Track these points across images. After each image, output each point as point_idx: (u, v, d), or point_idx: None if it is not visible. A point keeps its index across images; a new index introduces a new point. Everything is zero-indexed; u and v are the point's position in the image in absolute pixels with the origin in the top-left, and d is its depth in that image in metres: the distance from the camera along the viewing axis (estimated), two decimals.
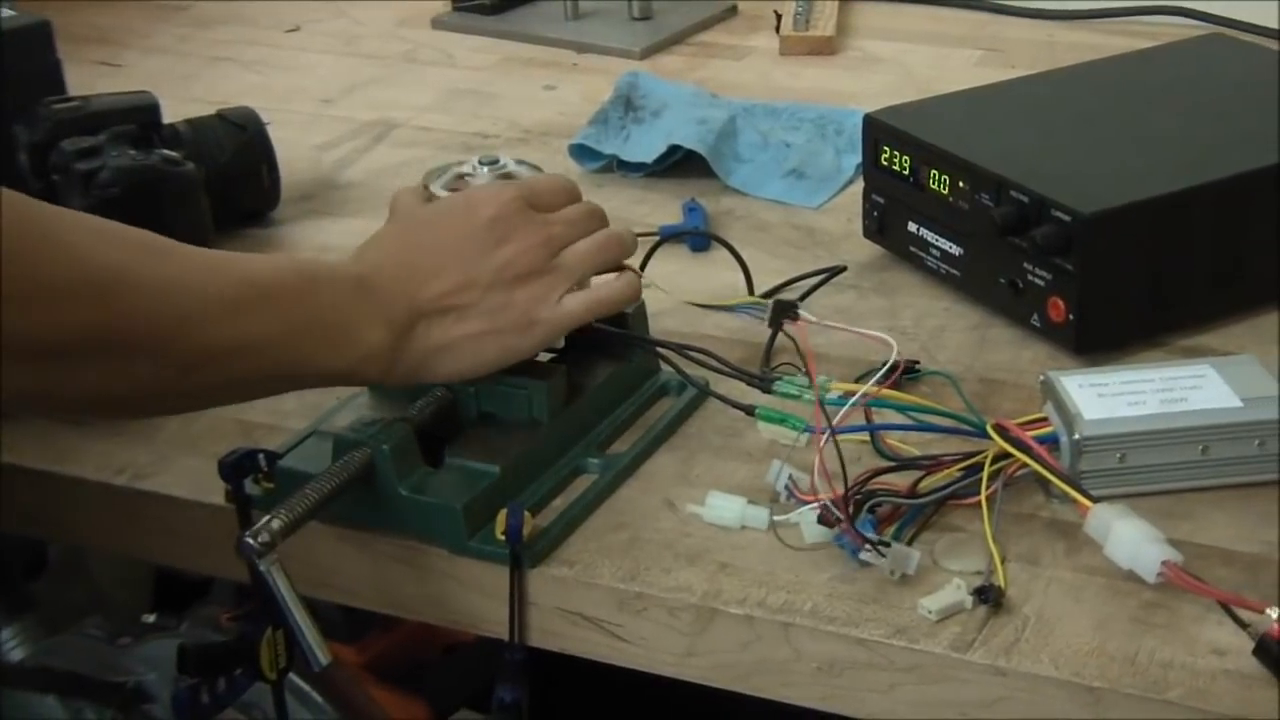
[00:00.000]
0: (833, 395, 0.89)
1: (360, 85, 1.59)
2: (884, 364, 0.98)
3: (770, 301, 0.89)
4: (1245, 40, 1.28)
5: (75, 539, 1.15)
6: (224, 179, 1.24)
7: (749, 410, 0.90)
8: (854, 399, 0.88)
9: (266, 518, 0.81)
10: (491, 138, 1.44)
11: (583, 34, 1.66)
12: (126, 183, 1.15)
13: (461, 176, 0.95)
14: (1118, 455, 0.89)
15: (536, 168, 0.97)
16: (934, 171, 1.10)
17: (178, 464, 0.97)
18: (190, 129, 1.25)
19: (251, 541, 0.80)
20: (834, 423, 0.86)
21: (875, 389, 0.89)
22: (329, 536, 0.91)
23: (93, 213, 1.14)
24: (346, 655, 1.52)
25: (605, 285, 0.95)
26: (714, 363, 0.93)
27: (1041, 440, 0.90)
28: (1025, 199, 1.02)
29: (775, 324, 0.89)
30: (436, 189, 0.95)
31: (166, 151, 1.18)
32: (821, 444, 0.85)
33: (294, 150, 1.42)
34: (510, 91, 1.55)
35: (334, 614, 1.36)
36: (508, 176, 0.95)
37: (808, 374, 0.87)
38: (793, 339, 0.88)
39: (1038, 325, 1.04)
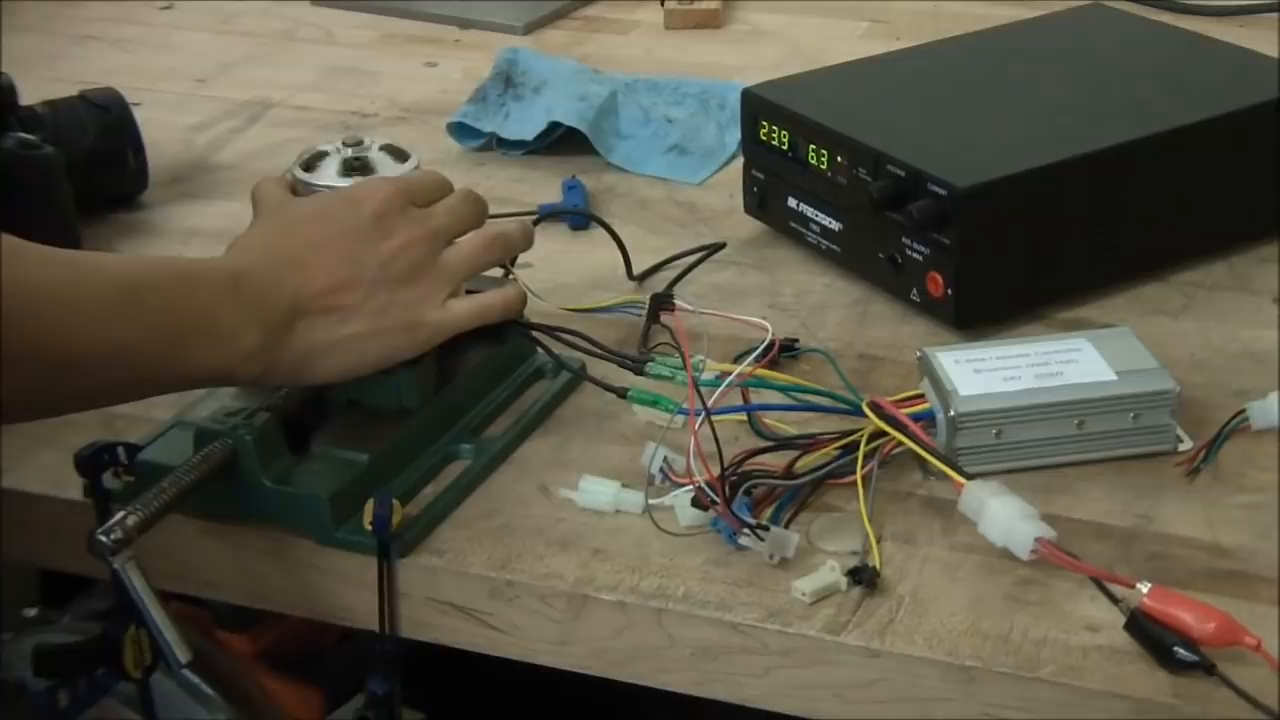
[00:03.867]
0: (708, 376, 0.88)
1: (235, 64, 1.55)
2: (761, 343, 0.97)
3: (646, 298, 0.88)
4: (1124, 11, 1.28)
5: None
6: (88, 163, 1.20)
7: (621, 393, 0.89)
8: (728, 380, 0.87)
9: (121, 513, 0.79)
10: (370, 116, 1.42)
11: (465, 9, 1.63)
12: None
13: (322, 156, 0.93)
14: (994, 431, 0.88)
15: (401, 151, 0.95)
16: (812, 146, 1.08)
17: (36, 458, 0.94)
18: (50, 111, 1.21)
19: (104, 539, 0.77)
20: (708, 404, 0.85)
21: (750, 369, 0.88)
22: (192, 529, 0.88)
23: None
24: (238, 644, 1.48)
25: (494, 293, 0.93)
26: (587, 345, 0.91)
27: (917, 417, 0.89)
28: (902, 173, 1.01)
29: (652, 317, 0.87)
30: (298, 173, 0.93)
31: (23, 135, 1.14)
32: (695, 426, 0.83)
33: (165, 131, 1.39)
34: (390, 69, 1.52)
35: (224, 603, 1.33)
36: (365, 166, 0.93)
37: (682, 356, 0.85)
38: (668, 328, 0.86)
39: (917, 300, 1.03)
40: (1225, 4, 1.54)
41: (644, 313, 0.87)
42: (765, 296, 1.09)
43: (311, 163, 0.93)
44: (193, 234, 1.22)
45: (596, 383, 0.90)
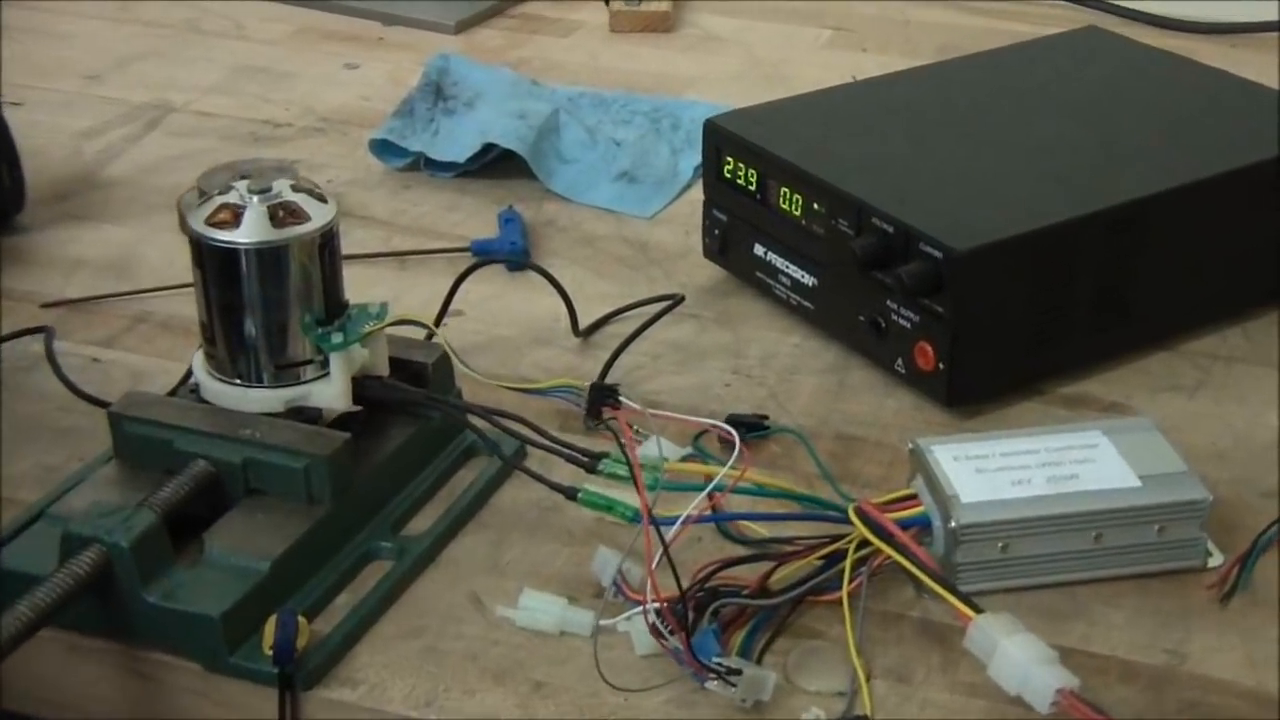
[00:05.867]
0: (668, 480, 0.75)
1: (134, 59, 1.40)
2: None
3: (586, 387, 0.75)
4: (1119, 36, 1.16)
5: None
6: None
7: (571, 494, 0.75)
8: (687, 510, 0.72)
9: None
10: (283, 126, 1.27)
11: (390, 5, 1.48)
12: None
13: (227, 208, 0.78)
14: (1000, 545, 0.76)
15: (317, 193, 0.81)
16: (784, 189, 0.96)
17: None
18: None
19: None
20: (670, 528, 0.72)
21: (714, 470, 0.74)
22: (58, 646, 0.75)
23: None
24: None
25: None
26: (530, 434, 0.78)
27: (910, 523, 0.77)
28: (889, 229, 0.89)
29: (594, 413, 0.74)
30: (198, 226, 0.78)
31: None
32: (653, 564, 0.70)
33: (51, 137, 1.24)
34: (306, 70, 1.38)
35: None
36: (282, 205, 0.79)
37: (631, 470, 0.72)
38: (612, 430, 0.73)
39: (902, 372, 0.91)
40: (1214, 20, 1.43)
41: (583, 402, 0.74)
42: (728, 358, 0.96)
43: (217, 216, 0.78)
44: (77, 265, 1.07)
45: (541, 479, 0.77)
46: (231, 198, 0.79)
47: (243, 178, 1.10)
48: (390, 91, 1.29)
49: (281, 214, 0.79)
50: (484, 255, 1.05)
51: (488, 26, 1.47)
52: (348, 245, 1.08)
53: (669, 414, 0.78)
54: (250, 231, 0.78)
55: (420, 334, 0.92)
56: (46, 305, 1.02)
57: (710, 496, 0.77)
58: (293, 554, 0.76)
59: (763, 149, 0.97)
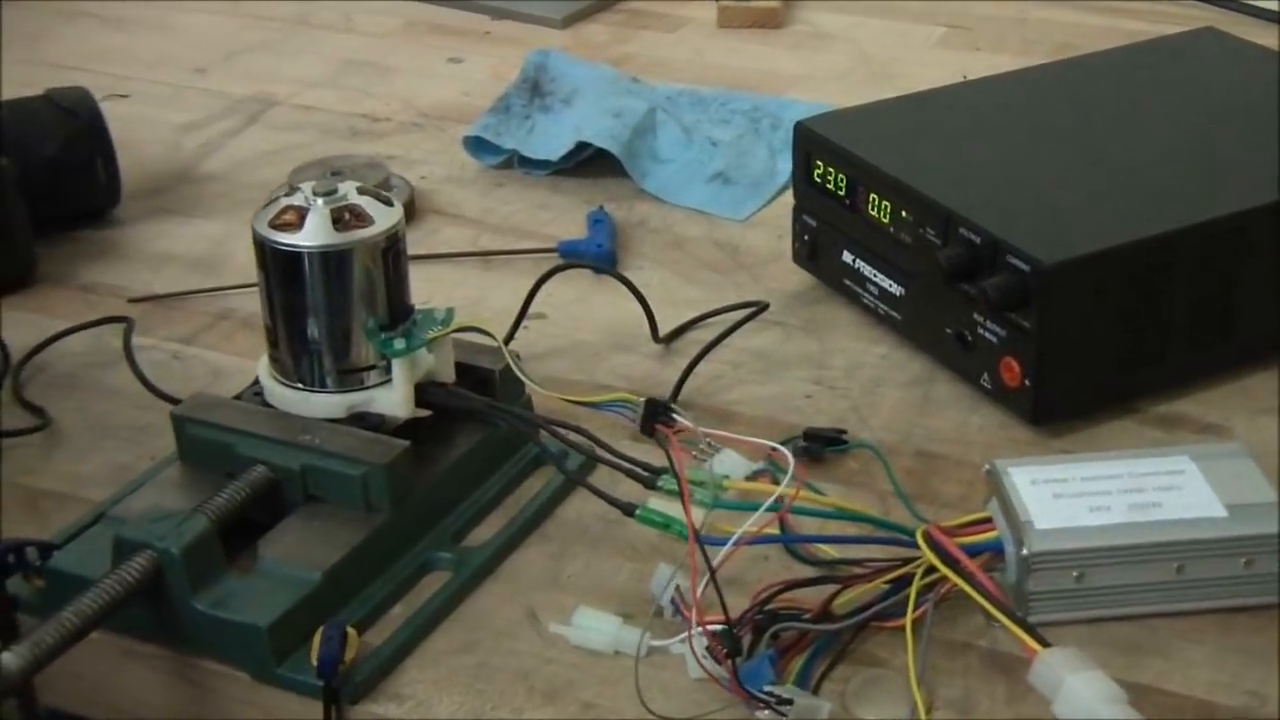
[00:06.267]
0: (733, 497, 0.73)
1: (241, 52, 1.40)
2: (797, 441, 0.83)
3: (641, 401, 0.72)
4: (1239, 40, 1.11)
5: None
6: (51, 173, 1.07)
7: (628, 510, 0.73)
8: (742, 528, 0.70)
9: (1, 655, 0.65)
10: (381, 121, 1.27)
11: None
12: None
13: (291, 210, 0.78)
14: (1075, 574, 0.73)
15: (383, 196, 0.80)
16: (873, 195, 0.93)
17: None
18: (9, 114, 1.07)
19: None
20: (720, 548, 0.69)
21: (775, 490, 0.72)
22: (111, 649, 0.74)
23: None
24: None
25: None
26: (592, 446, 0.76)
27: (983, 549, 0.74)
28: (977, 240, 0.85)
29: (647, 429, 0.72)
30: (261, 228, 0.78)
31: None
32: (698, 590, 0.68)
33: (152, 130, 1.25)
34: (410, 64, 1.37)
35: None
36: (347, 208, 0.78)
37: (679, 483, 0.70)
38: (664, 448, 0.71)
39: (988, 387, 0.88)
40: None
41: (637, 418, 0.72)
42: (811, 368, 0.93)
43: (281, 219, 0.78)
44: (167, 260, 1.07)
45: (600, 494, 0.75)
46: (296, 200, 0.78)
47: (334, 174, 1.11)
48: (491, 87, 1.27)
49: (347, 217, 0.78)
50: (570, 257, 1.04)
51: (595, 21, 1.45)
52: (435, 243, 1.09)
53: (724, 433, 0.75)
54: (313, 234, 0.77)
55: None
56: (133, 300, 1.02)
57: (780, 515, 0.75)
58: (347, 564, 0.75)
59: (852, 153, 0.94)
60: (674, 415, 0.72)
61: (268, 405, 0.81)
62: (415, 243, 1.07)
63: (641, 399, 0.72)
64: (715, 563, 0.68)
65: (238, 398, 0.83)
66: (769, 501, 0.69)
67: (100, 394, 0.93)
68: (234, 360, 0.96)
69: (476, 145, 1.18)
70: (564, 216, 1.11)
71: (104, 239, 1.10)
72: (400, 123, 1.26)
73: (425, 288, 1.02)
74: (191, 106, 1.29)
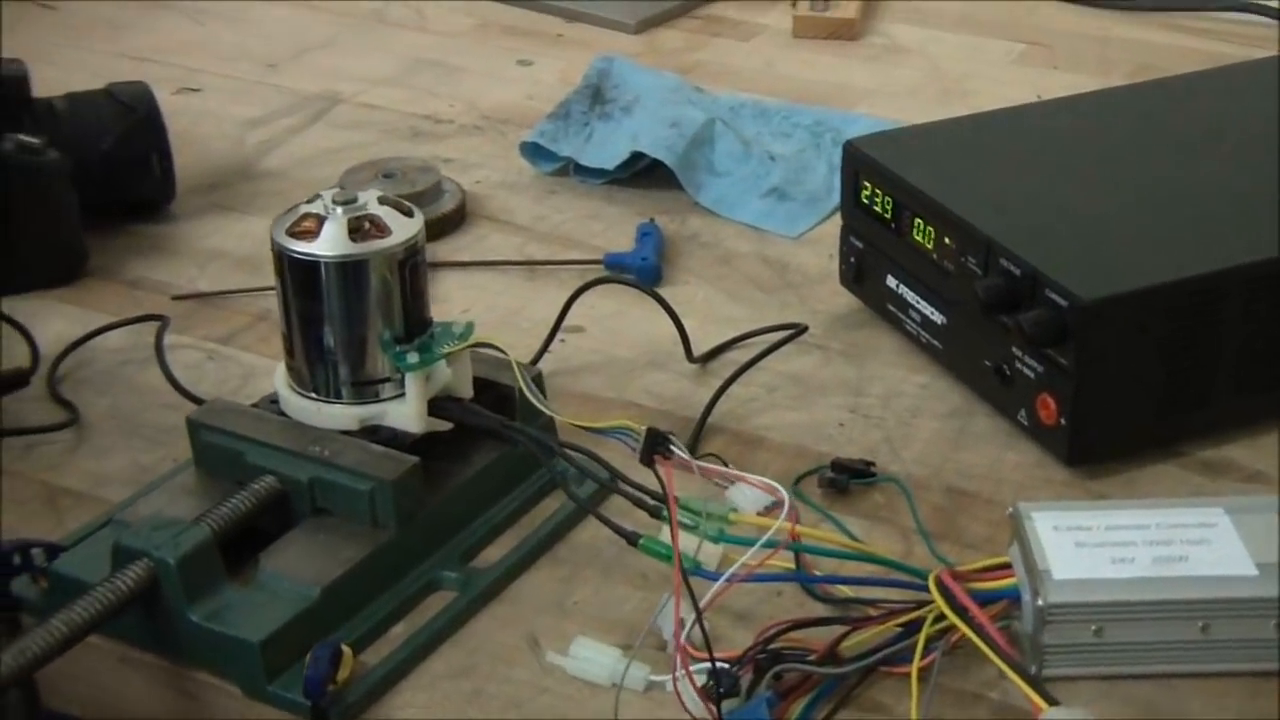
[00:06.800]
0: (739, 532, 0.71)
1: (313, 48, 1.40)
2: (824, 472, 0.81)
3: (643, 431, 0.70)
4: None
5: None
6: (107, 167, 1.07)
7: (631, 539, 0.72)
8: (738, 563, 0.68)
9: None
10: (443, 123, 1.26)
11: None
12: None
13: (310, 218, 0.77)
14: (1093, 628, 0.70)
15: (404, 206, 0.78)
16: (918, 220, 0.90)
17: None
18: (69, 107, 1.08)
19: None
20: (714, 583, 0.67)
21: (782, 526, 0.70)
22: (109, 655, 0.74)
23: None
24: None
25: None
26: (600, 470, 0.74)
27: (999, 596, 0.72)
28: (1016, 271, 0.83)
29: (646, 460, 0.70)
30: (279, 235, 0.77)
31: (24, 137, 1.01)
32: (682, 635, 0.66)
33: (218, 125, 1.25)
34: (478, 65, 1.36)
35: None
36: (367, 218, 0.77)
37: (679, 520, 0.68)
38: (659, 477, 0.69)
39: (1025, 423, 0.85)
40: None
41: (638, 445, 0.70)
42: (847, 395, 0.91)
43: (300, 226, 0.77)
44: (214, 257, 1.07)
45: (605, 521, 0.73)
46: (316, 208, 0.77)
47: (386, 176, 1.11)
48: (557, 91, 1.26)
49: (366, 226, 0.77)
50: (615, 269, 1.02)
51: (669, 27, 1.43)
52: (482, 250, 1.07)
53: (719, 468, 0.73)
54: (328, 244, 0.76)
55: (530, 351, 0.91)
56: (177, 297, 1.02)
57: (795, 555, 0.73)
58: (347, 580, 0.74)
59: (899, 175, 0.92)
60: (672, 447, 0.70)
61: (283, 414, 0.80)
62: (462, 249, 1.07)
63: (643, 428, 0.70)
64: (703, 602, 0.66)
65: (256, 405, 0.82)
66: (764, 538, 0.67)
67: (132, 392, 0.93)
68: (267, 362, 0.95)
69: (534, 151, 1.17)
70: (614, 227, 1.09)
71: (156, 234, 1.10)
72: (462, 125, 1.25)
73: (467, 295, 1.02)
74: (259, 102, 1.29)
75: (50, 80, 1.11)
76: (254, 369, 0.95)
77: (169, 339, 0.96)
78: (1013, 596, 0.72)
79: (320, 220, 0.77)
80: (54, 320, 0.99)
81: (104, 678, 0.75)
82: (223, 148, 1.22)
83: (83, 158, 1.05)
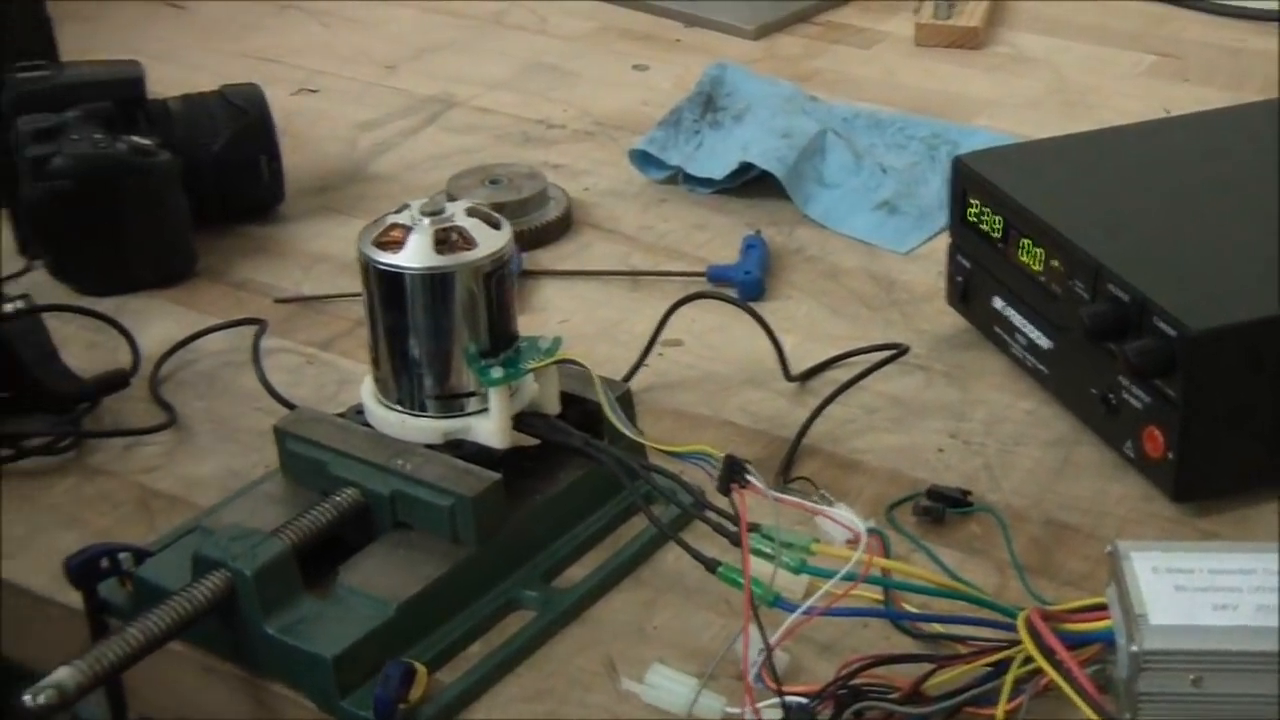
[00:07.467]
0: (819, 563, 0.69)
1: (432, 50, 1.40)
2: (920, 499, 0.79)
3: (722, 457, 0.68)
4: None
5: None
6: (218, 168, 1.08)
7: (711, 566, 0.70)
8: (817, 594, 0.66)
9: (59, 670, 0.64)
10: (556, 128, 1.25)
11: (695, 5, 1.44)
12: (80, 174, 0.99)
13: (398, 229, 0.76)
14: (1191, 678, 0.67)
15: (493, 219, 0.78)
16: (1025, 240, 0.88)
17: (49, 540, 0.81)
18: (183, 108, 1.08)
19: (31, 700, 0.63)
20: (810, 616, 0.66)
21: (846, 585, 0.67)
22: (192, 663, 0.74)
23: (41, 207, 1.00)
24: None
25: None
26: (683, 494, 0.72)
27: (1093, 639, 0.69)
28: (1125, 297, 0.80)
29: (723, 488, 0.68)
30: (365, 246, 0.76)
31: (137, 139, 1.01)
32: (749, 674, 0.64)
33: (332, 127, 1.25)
34: (594, 69, 1.35)
35: None
36: (455, 229, 0.76)
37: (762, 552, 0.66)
38: (735, 507, 0.67)
39: (1132, 456, 0.82)
40: None
41: (717, 472, 0.68)
42: (949, 419, 0.89)
43: (387, 236, 0.76)
44: (319, 260, 1.07)
45: (685, 546, 0.72)
46: (403, 218, 0.77)
47: (492, 182, 1.10)
48: (672, 97, 1.25)
49: (454, 238, 0.76)
50: (718, 282, 1.01)
51: (789, 33, 1.41)
52: (586, 259, 1.06)
53: (796, 500, 0.70)
54: (414, 255, 0.75)
55: (625, 365, 0.90)
56: (280, 300, 1.02)
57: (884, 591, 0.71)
58: (425, 597, 0.73)
59: (1007, 194, 0.89)
60: (749, 477, 0.68)
61: (368, 425, 0.79)
62: (565, 257, 1.06)
63: (723, 455, 0.69)
64: (777, 636, 0.64)
65: (343, 415, 0.82)
66: (842, 571, 0.65)
67: (230, 395, 0.93)
68: (364, 369, 0.93)
69: (643, 159, 1.15)
70: (720, 238, 1.08)
71: (265, 235, 1.10)
72: (574, 130, 1.24)
73: (568, 305, 1.01)
74: (375, 104, 1.30)
75: (173, 80, 1.13)
76: (350, 375, 0.95)
77: (269, 342, 0.97)
78: (1108, 640, 0.69)
79: (407, 231, 0.76)
80: (161, 321, 1.00)
81: (186, 685, 0.75)
82: (336, 150, 1.22)
83: (193, 159, 1.06)
